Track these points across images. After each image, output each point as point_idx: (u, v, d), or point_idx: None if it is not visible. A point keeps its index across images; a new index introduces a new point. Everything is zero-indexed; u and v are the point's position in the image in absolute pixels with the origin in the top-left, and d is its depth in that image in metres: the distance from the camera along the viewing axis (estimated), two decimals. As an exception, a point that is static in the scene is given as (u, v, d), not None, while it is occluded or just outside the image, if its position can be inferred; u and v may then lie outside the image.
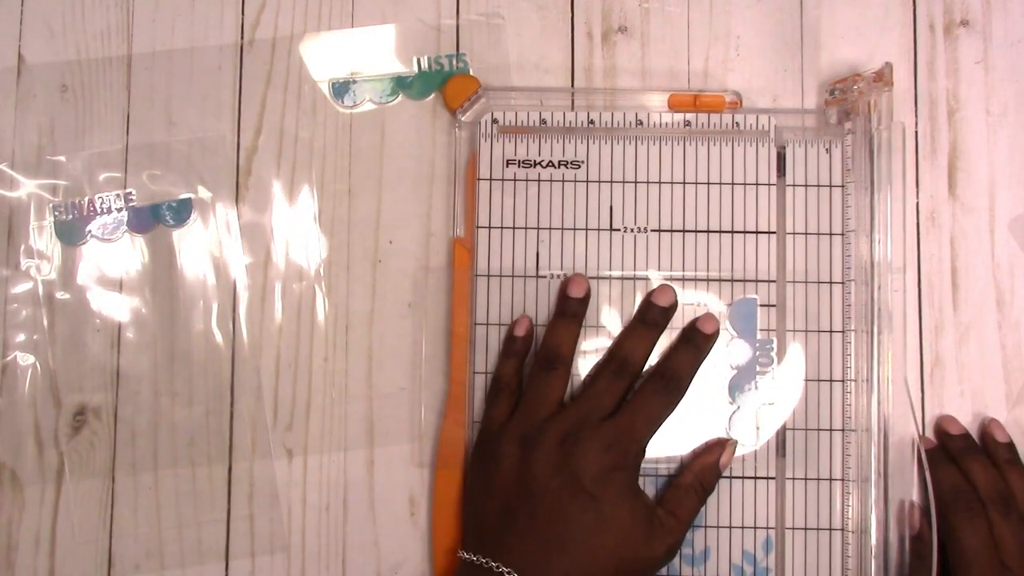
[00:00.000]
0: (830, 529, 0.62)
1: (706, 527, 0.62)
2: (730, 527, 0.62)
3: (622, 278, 0.64)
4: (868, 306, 0.62)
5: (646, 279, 0.63)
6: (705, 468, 0.61)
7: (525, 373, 0.63)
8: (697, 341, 0.62)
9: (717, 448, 0.61)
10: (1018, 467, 0.62)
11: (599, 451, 0.57)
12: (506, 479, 0.59)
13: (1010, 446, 0.62)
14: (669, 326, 0.63)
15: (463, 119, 0.65)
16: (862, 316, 0.62)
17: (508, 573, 0.56)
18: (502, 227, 0.64)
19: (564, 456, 0.57)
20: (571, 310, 0.62)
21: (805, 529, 0.62)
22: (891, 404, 0.62)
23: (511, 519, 0.58)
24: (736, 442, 0.62)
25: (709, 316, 0.62)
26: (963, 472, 0.61)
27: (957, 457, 0.62)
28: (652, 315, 0.62)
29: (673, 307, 0.62)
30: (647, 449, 0.59)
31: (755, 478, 0.62)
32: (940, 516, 0.60)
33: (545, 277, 0.64)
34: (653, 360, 0.62)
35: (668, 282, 0.63)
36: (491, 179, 0.64)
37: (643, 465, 0.60)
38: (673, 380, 0.60)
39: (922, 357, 0.64)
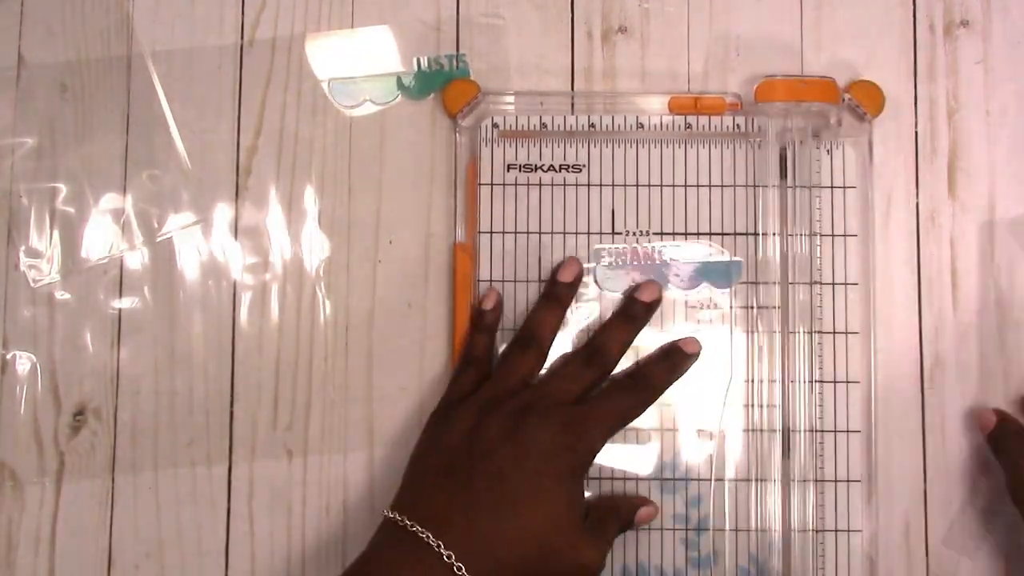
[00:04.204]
0: (835, 531, 0.62)
1: (713, 530, 0.62)
2: (736, 530, 0.62)
3: (623, 279, 0.64)
4: (870, 306, 0.62)
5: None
6: (626, 506, 0.60)
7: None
8: (675, 359, 0.62)
9: (642, 500, 0.61)
10: None
11: (554, 428, 0.57)
12: (453, 439, 0.58)
13: None
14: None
15: (463, 124, 0.65)
16: (866, 315, 0.63)
17: (424, 535, 0.54)
18: (503, 232, 0.64)
19: (517, 426, 0.57)
20: (556, 293, 0.62)
21: (812, 531, 0.61)
22: (894, 404, 0.63)
23: (448, 479, 0.56)
24: (657, 509, 0.61)
25: (692, 340, 0.62)
26: None
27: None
28: (633, 310, 0.62)
29: (656, 303, 0.62)
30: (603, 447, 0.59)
31: (760, 480, 0.62)
32: None
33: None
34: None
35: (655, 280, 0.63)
36: (492, 184, 0.64)
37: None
38: (643, 382, 0.60)
39: (922, 357, 0.64)
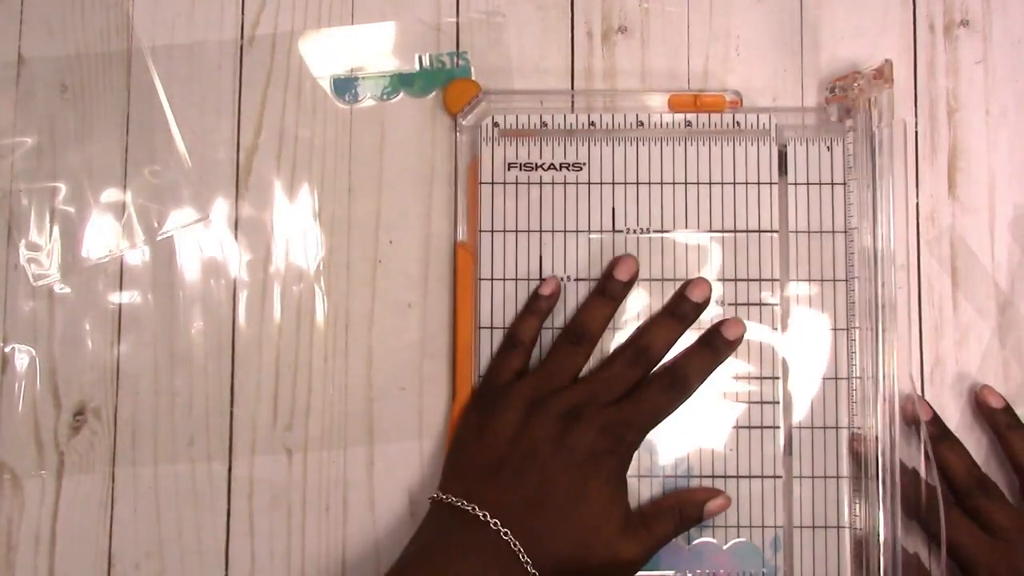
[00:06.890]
0: (838, 527, 0.62)
1: (714, 527, 0.62)
2: (738, 526, 0.62)
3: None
4: (872, 303, 0.62)
5: (648, 280, 0.63)
6: (690, 501, 0.60)
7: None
8: (717, 345, 0.62)
9: (710, 492, 0.61)
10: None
11: (596, 432, 0.58)
12: (502, 434, 0.59)
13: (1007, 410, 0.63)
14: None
15: (464, 123, 0.65)
16: (866, 313, 0.62)
17: (486, 517, 0.56)
18: (505, 230, 0.64)
19: (563, 429, 0.58)
20: (611, 290, 0.62)
21: (813, 527, 0.62)
22: (897, 400, 0.63)
23: (498, 472, 0.58)
24: (730, 499, 0.61)
25: (735, 321, 0.62)
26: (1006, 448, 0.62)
27: (1002, 433, 0.62)
28: (683, 309, 0.62)
29: (706, 303, 0.62)
30: (643, 441, 0.60)
31: (762, 477, 0.62)
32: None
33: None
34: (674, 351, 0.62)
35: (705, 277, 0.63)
36: (493, 183, 0.64)
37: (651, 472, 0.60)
38: (682, 380, 0.60)
39: (922, 357, 0.64)
